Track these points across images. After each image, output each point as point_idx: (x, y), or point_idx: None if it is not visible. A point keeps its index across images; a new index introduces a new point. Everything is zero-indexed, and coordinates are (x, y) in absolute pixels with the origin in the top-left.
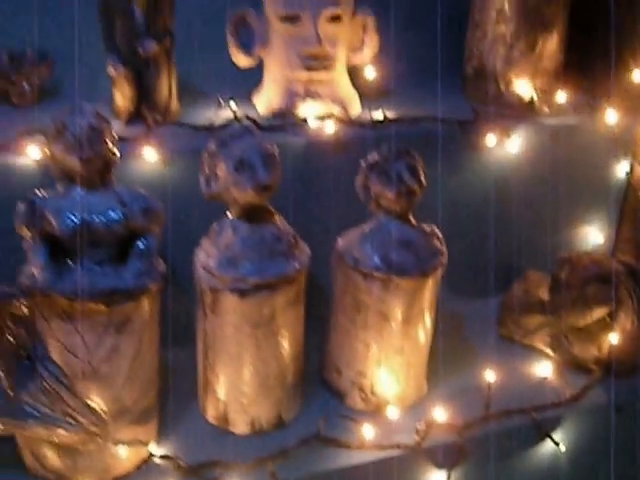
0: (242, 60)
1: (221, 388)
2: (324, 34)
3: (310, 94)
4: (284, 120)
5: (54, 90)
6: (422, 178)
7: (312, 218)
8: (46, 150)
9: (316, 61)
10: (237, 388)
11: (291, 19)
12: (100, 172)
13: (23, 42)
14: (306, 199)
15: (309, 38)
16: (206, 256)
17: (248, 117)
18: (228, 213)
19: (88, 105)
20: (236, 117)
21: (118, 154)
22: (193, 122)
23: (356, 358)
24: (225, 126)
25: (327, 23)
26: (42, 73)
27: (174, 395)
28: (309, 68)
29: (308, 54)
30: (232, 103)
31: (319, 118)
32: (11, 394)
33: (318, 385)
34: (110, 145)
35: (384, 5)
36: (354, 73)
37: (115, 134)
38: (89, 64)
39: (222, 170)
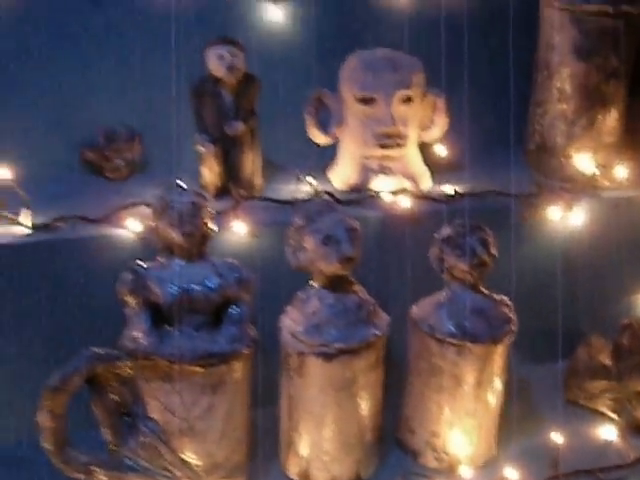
0: (319, 138)
1: (304, 446)
2: (397, 114)
3: (383, 170)
4: (359, 195)
5: (145, 165)
6: (493, 250)
7: (389, 287)
8: (151, 224)
9: (389, 139)
10: (319, 446)
11: (366, 101)
12: (198, 245)
13: (116, 120)
14: (383, 269)
15: (383, 118)
16: (292, 322)
17: (328, 192)
18: (312, 282)
19: (188, 184)
20: (316, 192)
21: (215, 228)
22: (276, 196)
23: (430, 419)
24: (306, 201)
25: (400, 104)
26: (134, 149)
27: (259, 452)
28: (383, 146)
29: (382, 133)
30: (311, 179)
31: (392, 193)
32: (114, 449)
33: (392, 444)
34: (208, 220)
35: (452, 84)
36: (425, 149)
37: (212, 210)
38: (176, 140)
39: (309, 243)
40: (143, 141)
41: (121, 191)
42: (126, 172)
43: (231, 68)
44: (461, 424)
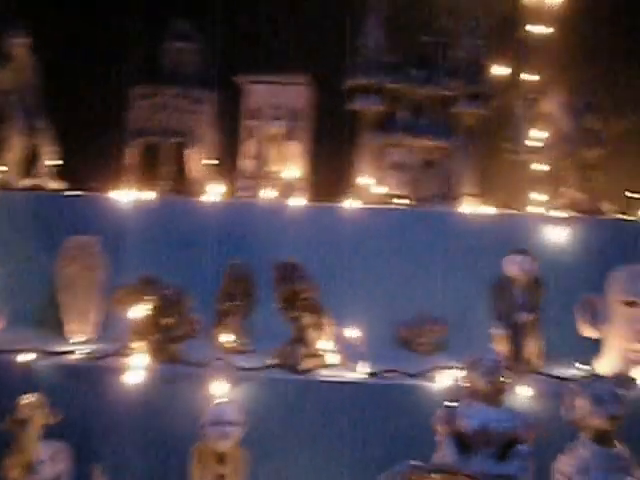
0: (588, 331)
1: None
2: None
3: None
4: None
5: (446, 345)
6: None
7: None
8: (462, 376)
9: None
10: None
11: (630, 304)
12: (498, 393)
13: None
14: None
15: None
16: (565, 466)
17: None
18: (582, 435)
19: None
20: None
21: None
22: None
23: None
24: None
25: None
26: (440, 331)
27: None
28: None
29: None
30: (580, 364)
31: None
32: None
33: None
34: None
35: None
36: None
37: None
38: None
39: (581, 404)
40: (447, 326)
41: (428, 362)
42: (431, 348)
43: (524, 272)
44: None
